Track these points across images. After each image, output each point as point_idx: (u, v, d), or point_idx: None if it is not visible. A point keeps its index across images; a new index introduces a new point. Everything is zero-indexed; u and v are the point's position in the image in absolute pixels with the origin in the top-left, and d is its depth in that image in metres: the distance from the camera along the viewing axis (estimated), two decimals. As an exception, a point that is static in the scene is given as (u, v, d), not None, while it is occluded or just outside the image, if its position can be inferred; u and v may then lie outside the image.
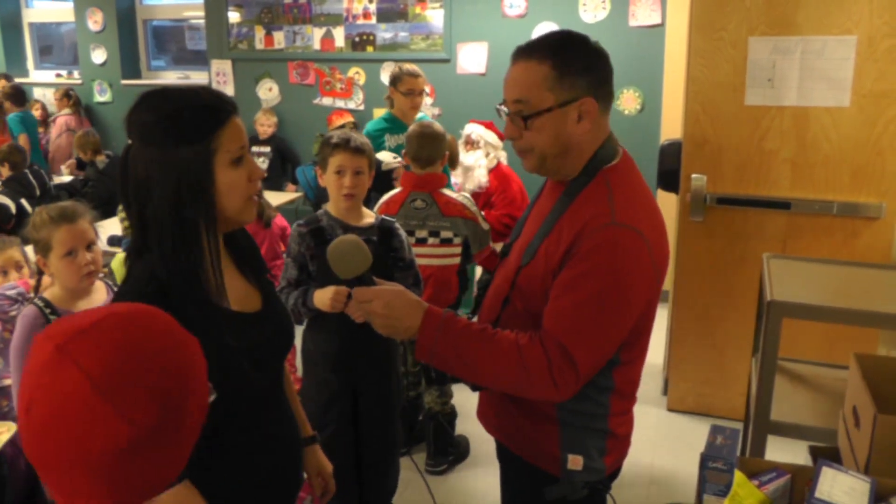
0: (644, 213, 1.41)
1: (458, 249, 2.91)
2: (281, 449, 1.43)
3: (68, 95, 6.75)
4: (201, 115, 1.22)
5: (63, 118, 6.67)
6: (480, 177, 4.34)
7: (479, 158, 4.19)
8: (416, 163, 2.95)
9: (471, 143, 4.14)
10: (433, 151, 2.90)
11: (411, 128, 3.06)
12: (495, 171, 4.45)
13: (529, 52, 1.41)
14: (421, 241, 2.88)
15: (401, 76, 3.75)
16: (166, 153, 1.20)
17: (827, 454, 1.65)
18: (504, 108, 1.46)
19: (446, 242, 2.87)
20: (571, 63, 1.39)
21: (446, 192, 2.93)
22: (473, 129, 4.23)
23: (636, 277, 1.37)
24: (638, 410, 1.64)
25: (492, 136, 4.44)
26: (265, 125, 5.88)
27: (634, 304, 1.39)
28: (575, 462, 1.49)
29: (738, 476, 1.41)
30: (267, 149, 5.85)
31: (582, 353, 1.34)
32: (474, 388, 1.51)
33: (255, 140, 5.85)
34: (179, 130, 1.20)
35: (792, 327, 2.43)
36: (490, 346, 1.37)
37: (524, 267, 1.47)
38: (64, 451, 0.77)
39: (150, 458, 0.80)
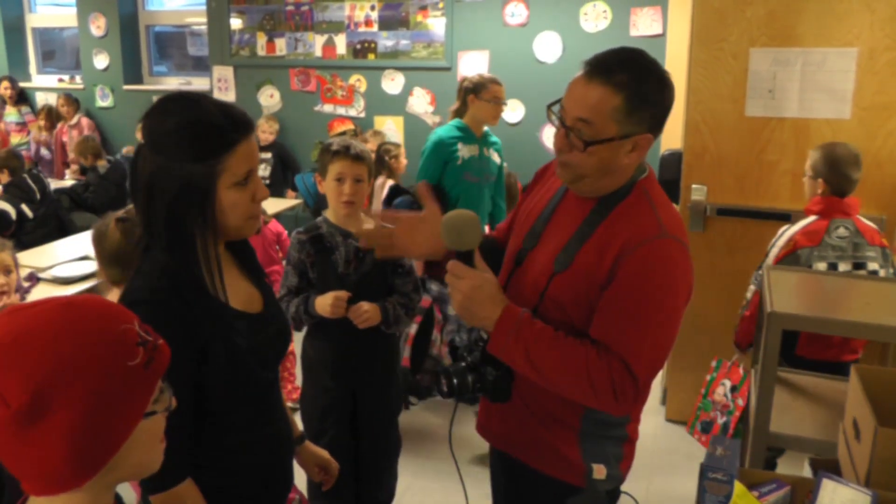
0: (679, 223, 1.44)
1: None
2: (276, 447, 1.46)
3: (73, 101, 6.80)
4: (213, 135, 1.22)
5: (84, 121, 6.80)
6: None
7: None
8: None
9: None
10: None
11: None
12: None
13: (609, 73, 1.33)
14: None
15: (485, 84, 3.54)
16: (172, 165, 1.21)
17: (827, 466, 1.64)
18: (556, 113, 1.40)
19: None
20: (645, 98, 1.34)
21: None
22: None
23: (685, 288, 1.42)
24: (636, 420, 1.64)
25: None
26: (266, 132, 5.88)
27: (682, 313, 1.43)
28: (599, 471, 1.51)
29: (738, 487, 1.40)
30: (268, 155, 5.85)
31: (642, 368, 1.36)
32: (493, 399, 1.49)
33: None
34: (188, 147, 1.21)
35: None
36: (560, 354, 1.36)
37: (558, 274, 1.43)
38: None
39: (28, 441, 0.82)
